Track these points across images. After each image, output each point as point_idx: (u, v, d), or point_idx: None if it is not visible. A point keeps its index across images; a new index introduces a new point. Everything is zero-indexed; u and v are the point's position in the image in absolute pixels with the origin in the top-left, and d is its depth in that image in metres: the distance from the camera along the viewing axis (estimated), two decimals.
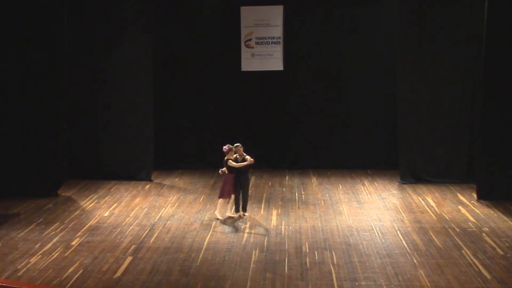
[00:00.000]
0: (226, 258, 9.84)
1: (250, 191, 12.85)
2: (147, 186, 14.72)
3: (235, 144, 12.01)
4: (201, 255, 9.96)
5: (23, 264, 9.59)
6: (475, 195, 13.46)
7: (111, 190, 14.33)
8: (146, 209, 12.72)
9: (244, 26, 16.16)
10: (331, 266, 9.46)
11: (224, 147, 12.02)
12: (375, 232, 11.14)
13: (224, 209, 12.01)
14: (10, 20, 13.43)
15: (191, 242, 10.62)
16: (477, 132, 13.69)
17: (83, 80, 15.11)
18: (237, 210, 12.16)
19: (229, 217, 11.95)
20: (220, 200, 11.98)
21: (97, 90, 15.16)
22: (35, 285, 8.71)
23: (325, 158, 16.42)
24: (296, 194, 13.92)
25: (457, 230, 11.23)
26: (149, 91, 15.16)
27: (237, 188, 12.02)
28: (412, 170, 14.87)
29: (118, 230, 11.31)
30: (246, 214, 12.15)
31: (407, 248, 10.24)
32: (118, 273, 9.23)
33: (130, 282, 8.90)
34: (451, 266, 9.42)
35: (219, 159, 16.45)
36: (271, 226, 11.54)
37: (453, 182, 14.65)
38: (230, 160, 11.90)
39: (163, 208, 12.77)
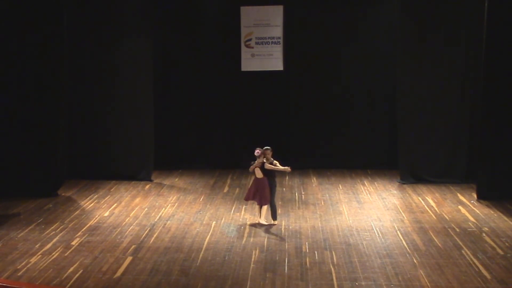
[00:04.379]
0: (226, 258, 9.84)
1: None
2: (147, 186, 14.72)
3: (265, 148, 11.57)
4: (201, 255, 9.96)
5: (23, 264, 9.59)
6: (475, 195, 13.46)
7: (111, 190, 14.33)
8: (146, 209, 12.72)
9: (244, 26, 16.14)
10: (331, 266, 9.46)
11: (256, 151, 11.46)
12: (375, 232, 11.14)
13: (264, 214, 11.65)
14: (10, 21, 13.42)
15: (191, 242, 10.62)
16: (477, 132, 13.71)
17: (83, 80, 15.13)
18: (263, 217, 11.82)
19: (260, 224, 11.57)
20: (265, 206, 11.54)
21: (97, 90, 15.16)
22: (35, 285, 8.71)
23: (325, 158, 16.39)
24: (296, 194, 13.91)
25: (457, 230, 11.23)
26: (149, 91, 15.16)
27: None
28: (412, 170, 14.86)
29: (118, 230, 11.31)
30: (276, 222, 11.70)
31: (407, 248, 10.24)
32: (118, 273, 9.23)
33: (130, 282, 8.90)
34: (451, 266, 9.43)
35: (219, 159, 16.57)
36: (271, 226, 11.54)
37: (453, 182, 14.65)
38: (268, 164, 11.44)
39: (163, 208, 12.77)
